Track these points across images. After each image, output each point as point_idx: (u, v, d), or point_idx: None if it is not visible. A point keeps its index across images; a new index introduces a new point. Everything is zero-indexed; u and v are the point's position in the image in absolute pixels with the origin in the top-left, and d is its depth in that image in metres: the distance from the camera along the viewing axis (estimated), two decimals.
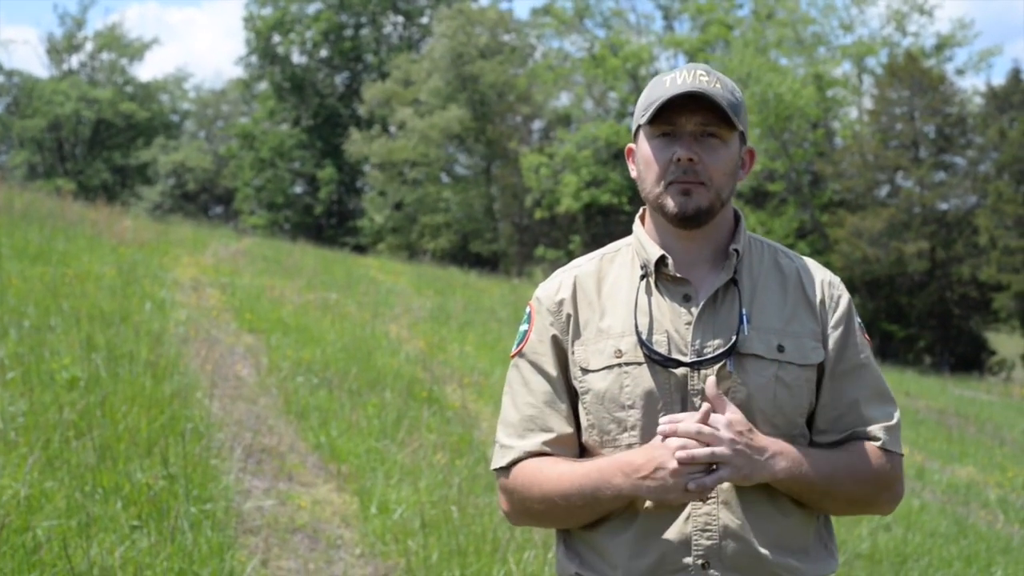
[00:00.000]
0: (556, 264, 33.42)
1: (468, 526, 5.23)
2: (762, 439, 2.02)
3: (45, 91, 48.66)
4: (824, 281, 2.17)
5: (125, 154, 50.27)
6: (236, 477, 5.54)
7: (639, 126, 2.14)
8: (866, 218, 32.70)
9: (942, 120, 34.88)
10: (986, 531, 8.24)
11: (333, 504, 5.72)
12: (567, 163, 36.58)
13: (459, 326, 13.78)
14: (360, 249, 36.97)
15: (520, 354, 2.22)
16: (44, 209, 15.39)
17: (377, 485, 5.87)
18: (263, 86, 47.17)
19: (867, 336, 2.20)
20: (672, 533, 2.05)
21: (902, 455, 2.15)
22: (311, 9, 45.94)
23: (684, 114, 2.06)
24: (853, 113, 39.35)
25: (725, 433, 1.97)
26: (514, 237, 40.29)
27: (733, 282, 2.12)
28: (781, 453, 2.02)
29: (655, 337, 2.09)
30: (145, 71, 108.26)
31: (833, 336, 2.13)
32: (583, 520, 2.12)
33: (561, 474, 2.10)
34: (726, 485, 2.03)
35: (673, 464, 1.95)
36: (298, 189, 46.36)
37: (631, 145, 2.18)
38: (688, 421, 1.98)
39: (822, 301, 2.15)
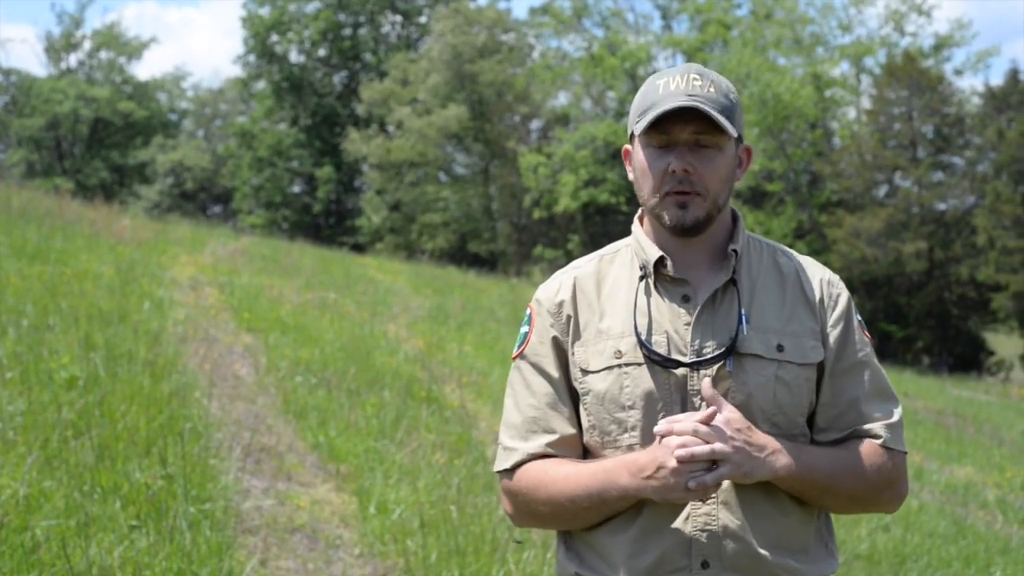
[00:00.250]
0: (554, 264, 33.49)
1: (467, 526, 5.23)
2: (761, 437, 2.02)
3: (43, 90, 48.64)
4: (823, 280, 2.17)
5: (123, 153, 50.25)
6: (235, 477, 5.54)
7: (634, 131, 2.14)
8: (864, 218, 32.73)
9: (940, 120, 34.91)
10: (985, 531, 8.24)
11: (332, 504, 5.72)
12: (565, 163, 36.57)
13: (457, 326, 13.78)
14: (358, 248, 36.97)
15: (521, 356, 2.22)
16: (42, 208, 15.37)
17: (376, 485, 5.86)
18: (261, 85, 47.16)
19: (868, 334, 2.20)
20: (672, 533, 2.05)
21: (905, 453, 2.14)
22: (309, 8, 45.93)
23: (678, 124, 2.05)
24: (851, 113, 39.40)
25: (724, 430, 1.97)
26: (512, 237, 40.28)
27: (732, 282, 2.12)
28: (781, 451, 2.03)
29: (654, 338, 2.10)
30: (143, 70, 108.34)
31: (833, 334, 2.13)
32: (588, 522, 2.12)
33: (567, 476, 2.10)
34: (726, 485, 2.03)
35: (673, 463, 1.95)
36: (296, 188, 46.34)
37: (627, 147, 2.17)
38: (686, 421, 1.98)
39: (821, 300, 2.15)
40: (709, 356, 2.07)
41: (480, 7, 41.01)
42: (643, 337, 2.09)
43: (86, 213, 16.57)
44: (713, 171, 2.06)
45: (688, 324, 2.09)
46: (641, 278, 2.15)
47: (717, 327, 2.09)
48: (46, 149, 50.08)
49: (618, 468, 2.04)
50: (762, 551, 2.03)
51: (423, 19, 46.29)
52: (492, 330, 13.99)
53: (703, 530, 2.04)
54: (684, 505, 2.04)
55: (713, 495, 2.03)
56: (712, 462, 1.96)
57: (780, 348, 2.09)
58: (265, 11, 45.68)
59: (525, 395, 2.20)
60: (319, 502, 5.70)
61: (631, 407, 2.09)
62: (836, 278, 2.20)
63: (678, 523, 2.04)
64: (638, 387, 2.08)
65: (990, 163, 34.22)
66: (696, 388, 2.06)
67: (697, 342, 2.08)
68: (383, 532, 5.23)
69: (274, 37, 45.81)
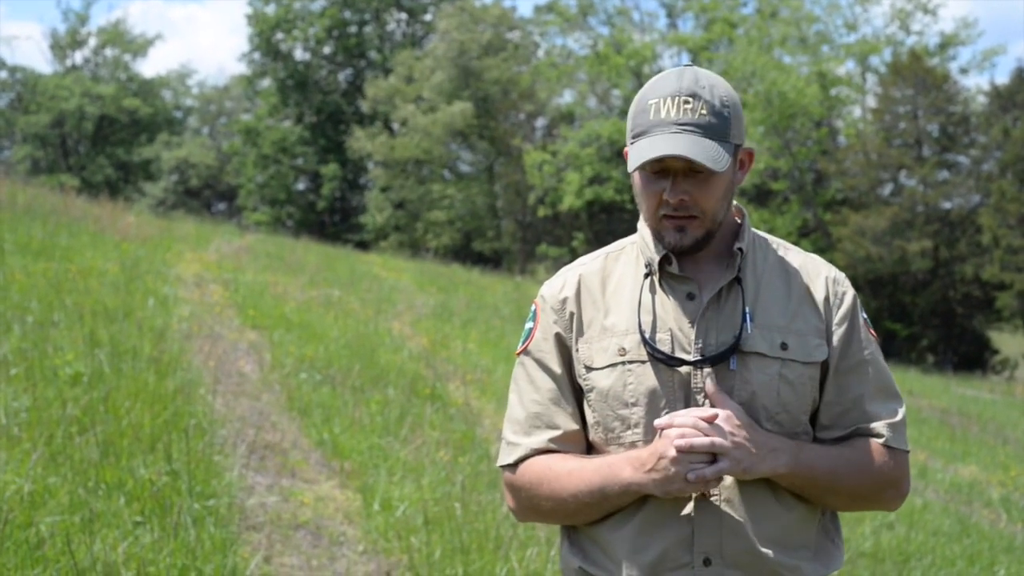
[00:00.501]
0: (559, 261, 33.45)
1: (471, 523, 5.23)
2: (763, 434, 2.03)
3: (49, 87, 48.64)
4: (829, 278, 2.18)
5: (128, 150, 50.23)
6: (239, 473, 5.55)
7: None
8: (869, 217, 32.68)
9: (945, 119, 34.84)
10: (989, 530, 8.23)
11: (336, 501, 5.72)
12: (570, 161, 36.55)
13: (462, 323, 13.79)
14: (363, 246, 36.98)
15: (526, 352, 2.24)
16: (47, 205, 15.40)
17: (380, 482, 5.87)
18: (266, 82, 47.13)
19: (873, 332, 2.20)
20: (673, 530, 2.05)
21: (907, 451, 2.14)
22: (315, 6, 45.91)
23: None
24: (857, 112, 39.34)
25: (724, 426, 1.98)
26: (517, 234, 40.26)
27: (737, 280, 2.12)
28: (782, 448, 2.03)
29: (659, 335, 2.10)
30: (148, 67, 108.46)
31: (837, 333, 2.13)
32: (591, 517, 2.12)
33: (570, 471, 2.11)
34: (728, 482, 2.04)
35: (673, 452, 1.96)
36: (301, 186, 46.34)
37: (627, 148, 2.14)
38: (687, 415, 1.99)
39: (826, 298, 2.15)
40: (713, 354, 2.07)
41: (485, 5, 40.95)
42: (647, 335, 2.10)
43: (91, 210, 16.59)
44: (709, 194, 2.06)
45: (692, 322, 2.10)
46: (646, 276, 2.16)
47: (722, 325, 2.10)
48: (51, 146, 50.10)
49: (620, 463, 2.05)
50: (764, 548, 2.04)
51: (428, 17, 46.24)
52: (496, 327, 13.99)
53: (705, 527, 2.04)
54: (684, 500, 2.04)
55: (715, 492, 2.04)
56: (713, 457, 1.97)
57: (784, 346, 2.09)
58: (270, 8, 45.65)
59: (529, 390, 2.20)
60: (323, 499, 5.70)
61: (634, 404, 2.09)
62: (842, 276, 2.20)
63: (680, 520, 2.05)
64: (642, 384, 2.09)
65: (995, 162, 34.14)
66: (700, 386, 2.07)
67: (701, 340, 2.09)
68: (387, 529, 5.23)
69: (279, 34, 45.77)
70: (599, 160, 36.25)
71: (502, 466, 2.22)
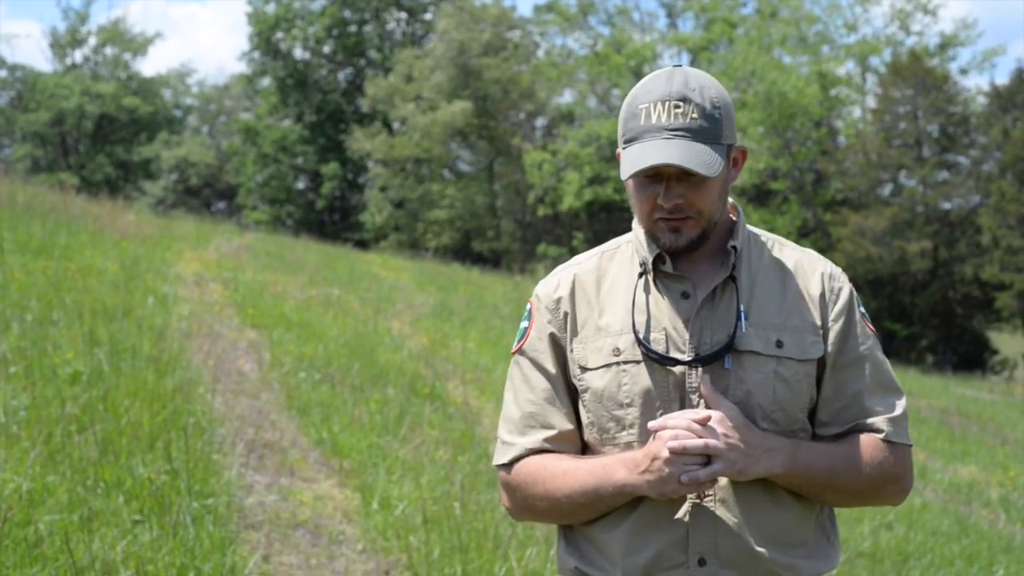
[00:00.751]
0: (559, 261, 33.32)
1: (470, 522, 5.23)
2: (757, 435, 2.01)
3: (48, 85, 48.67)
4: (825, 273, 2.16)
5: (128, 149, 50.26)
6: (238, 472, 5.55)
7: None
8: (869, 217, 32.70)
9: (945, 119, 34.85)
10: (988, 530, 8.23)
11: (335, 500, 5.72)
12: (570, 160, 36.54)
13: (461, 322, 13.79)
14: (362, 245, 36.96)
15: (520, 351, 2.23)
16: (47, 203, 15.39)
17: (379, 481, 5.87)
18: (266, 82, 47.13)
19: (872, 326, 2.18)
20: (668, 530, 2.05)
21: (909, 446, 2.13)
22: (315, 5, 45.90)
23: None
24: (856, 112, 39.36)
25: (718, 427, 1.97)
26: (516, 234, 40.26)
27: (732, 279, 2.11)
28: (778, 448, 2.02)
29: (653, 335, 2.09)
30: (148, 66, 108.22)
31: (834, 329, 2.12)
32: (585, 517, 2.12)
33: (565, 471, 2.10)
34: (723, 482, 2.04)
35: (666, 453, 1.96)
36: (301, 185, 46.34)
37: (619, 151, 2.12)
38: (680, 416, 1.99)
39: (822, 294, 2.14)
40: (707, 353, 2.06)
41: (485, 4, 40.94)
42: (641, 335, 2.09)
43: (91, 209, 16.58)
44: (704, 197, 2.05)
45: (687, 321, 2.09)
46: (641, 275, 2.15)
47: (716, 324, 2.09)
48: (51, 145, 50.12)
49: (614, 464, 2.05)
50: (759, 548, 2.03)
51: (428, 16, 46.25)
52: (496, 327, 13.99)
53: (699, 527, 2.04)
54: (679, 501, 2.04)
55: (710, 492, 2.03)
56: (707, 459, 1.97)
57: (779, 344, 2.08)
58: (270, 7, 45.64)
59: (524, 390, 2.20)
60: (322, 498, 5.70)
61: (629, 405, 2.09)
62: (838, 271, 2.19)
63: (675, 520, 2.05)
64: (636, 385, 2.08)
65: (995, 162, 34.16)
66: (694, 386, 2.06)
67: (696, 339, 2.08)
68: (386, 528, 5.23)
69: (279, 33, 45.76)
70: (599, 160, 36.24)
71: (497, 465, 2.21)
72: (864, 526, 7.24)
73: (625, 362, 2.10)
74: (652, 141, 2.01)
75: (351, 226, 43.37)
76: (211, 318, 10.10)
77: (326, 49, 46.38)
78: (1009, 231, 31.54)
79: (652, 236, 2.11)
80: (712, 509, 2.04)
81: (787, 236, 31.19)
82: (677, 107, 2.03)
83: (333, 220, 45.37)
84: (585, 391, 2.14)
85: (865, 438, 2.10)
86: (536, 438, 2.16)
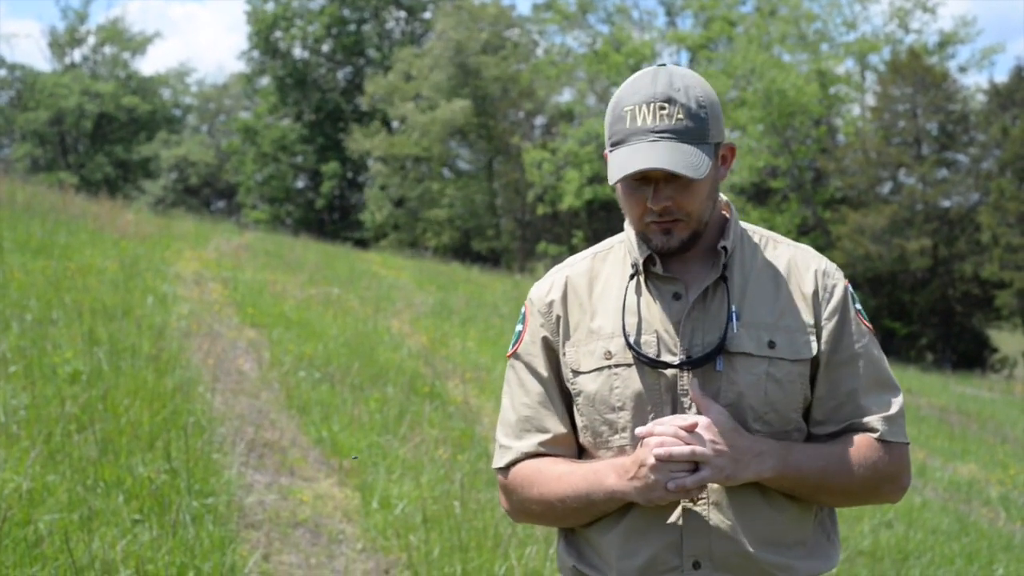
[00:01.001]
0: (558, 260, 33.30)
1: (470, 521, 5.23)
2: (746, 439, 1.99)
3: (47, 85, 48.66)
4: (819, 271, 2.13)
5: (127, 148, 50.25)
6: (238, 471, 5.55)
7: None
8: (868, 215, 32.69)
9: (945, 117, 34.86)
10: (988, 528, 8.23)
11: (335, 499, 5.72)
12: (569, 159, 36.53)
13: (461, 321, 13.79)
14: (362, 244, 36.96)
15: (515, 355, 2.22)
16: (46, 203, 15.39)
17: (379, 480, 5.87)
18: (265, 81, 47.13)
19: (868, 323, 2.15)
20: (662, 533, 2.04)
21: (906, 444, 2.10)
22: (314, 4, 45.90)
23: None
24: (856, 110, 39.35)
25: (705, 434, 1.96)
26: (516, 233, 40.26)
27: (723, 279, 2.09)
28: (768, 452, 2.00)
29: (644, 338, 2.08)
30: (147, 65, 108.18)
31: (828, 327, 2.09)
32: (579, 521, 2.12)
33: (559, 476, 2.10)
34: (715, 486, 2.02)
35: (652, 460, 1.95)
36: (300, 184, 46.34)
37: (607, 153, 2.10)
38: (667, 423, 1.98)
39: (815, 292, 2.11)
40: (699, 355, 2.05)
41: (484, 3, 40.93)
42: (632, 338, 2.08)
43: (90, 208, 16.58)
44: (692, 198, 2.03)
45: (679, 323, 2.07)
46: (632, 276, 2.13)
47: (708, 325, 2.07)
48: (50, 144, 50.10)
49: (605, 470, 2.05)
50: (753, 550, 2.02)
51: (427, 15, 46.25)
52: (495, 326, 13.99)
53: (693, 531, 2.02)
54: (670, 506, 2.03)
55: (703, 496, 2.02)
56: (695, 465, 1.96)
57: (771, 344, 2.05)
58: (269, 6, 45.64)
59: (519, 394, 2.20)
60: (322, 497, 5.70)
61: (621, 408, 2.08)
62: (832, 267, 2.15)
63: (668, 524, 2.04)
64: (628, 388, 2.07)
65: (994, 160, 34.16)
66: (686, 388, 2.05)
67: (687, 341, 2.06)
68: (386, 527, 5.23)
69: (278, 32, 45.76)
70: (598, 158, 36.19)
71: (496, 469, 2.22)
72: (864, 524, 7.24)
73: (616, 365, 2.08)
74: (638, 144, 2.00)
75: (350, 225, 43.38)
76: (211, 317, 10.10)
77: (325, 48, 46.38)
78: (1008, 229, 31.54)
79: (644, 237, 2.09)
80: (705, 512, 2.03)
81: (786, 234, 31.26)
82: (662, 108, 2.01)
83: (332, 219, 45.36)
84: (578, 395, 2.13)
85: (859, 437, 2.07)
86: (531, 442, 2.16)
